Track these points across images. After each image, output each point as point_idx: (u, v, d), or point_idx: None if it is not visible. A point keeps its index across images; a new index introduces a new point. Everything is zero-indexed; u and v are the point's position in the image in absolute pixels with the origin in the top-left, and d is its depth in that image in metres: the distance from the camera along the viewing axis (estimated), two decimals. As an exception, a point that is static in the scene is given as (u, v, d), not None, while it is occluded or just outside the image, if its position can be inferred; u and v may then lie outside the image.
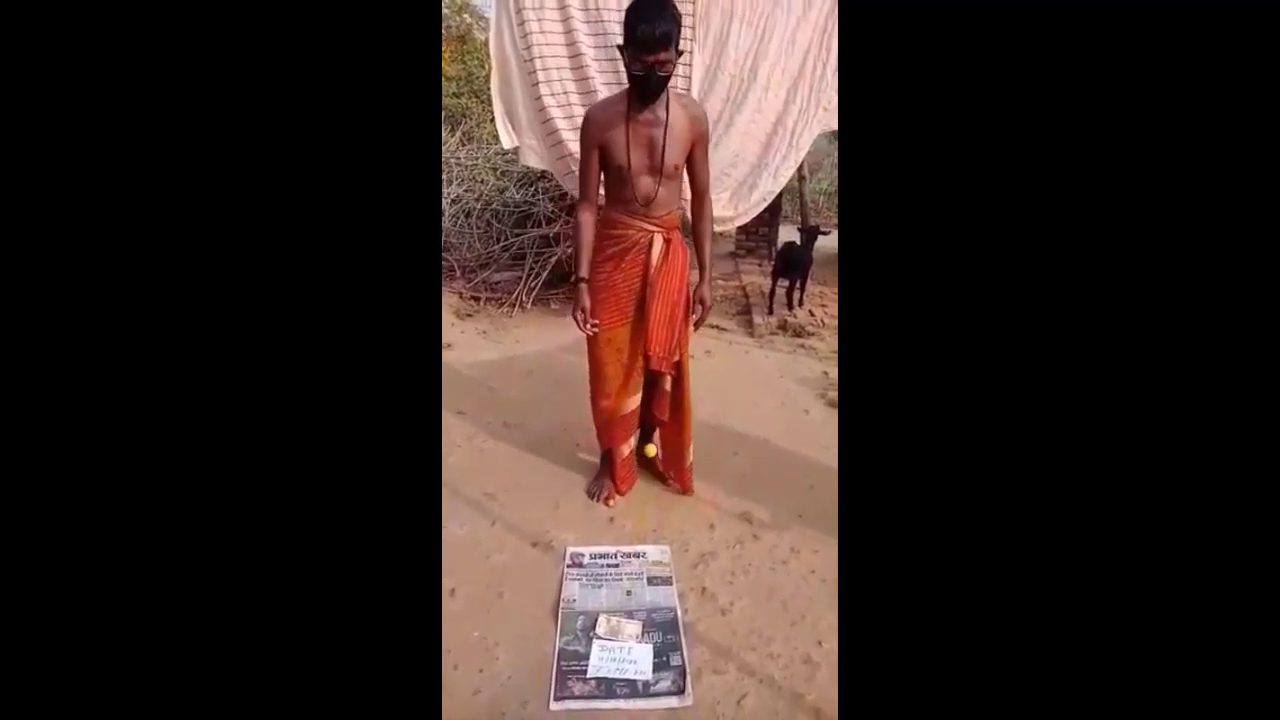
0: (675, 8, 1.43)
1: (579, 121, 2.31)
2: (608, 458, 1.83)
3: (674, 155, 1.52)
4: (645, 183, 1.54)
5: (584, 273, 1.60)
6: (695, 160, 1.59)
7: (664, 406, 1.72)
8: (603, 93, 2.27)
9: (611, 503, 1.77)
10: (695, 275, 1.67)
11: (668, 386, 1.71)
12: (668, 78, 1.44)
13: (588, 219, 1.61)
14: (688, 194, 1.67)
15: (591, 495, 1.81)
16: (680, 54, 1.46)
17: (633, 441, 1.82)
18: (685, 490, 1.82)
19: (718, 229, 2.95)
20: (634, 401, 1.72)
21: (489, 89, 2.45)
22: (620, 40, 1.44)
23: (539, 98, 2.34)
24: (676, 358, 1.65)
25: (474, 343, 2.97)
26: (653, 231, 1.59)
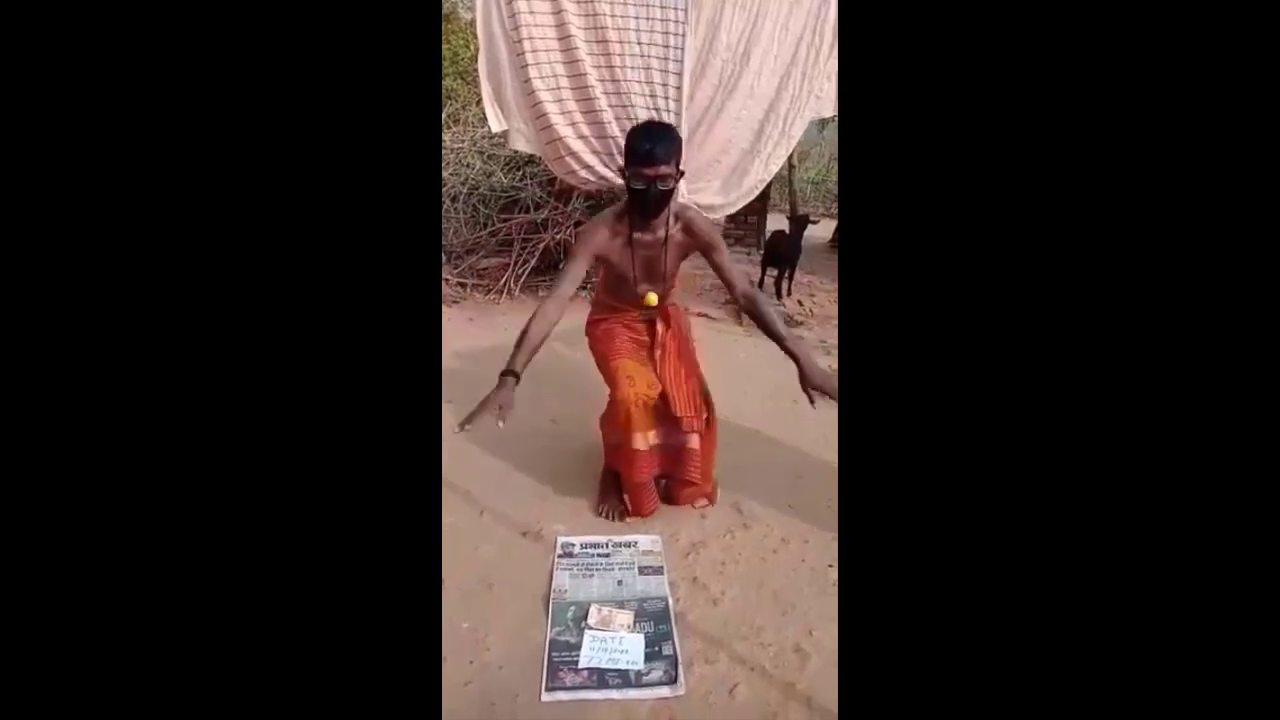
0: (678, 135, 1.51)
1: (568, 105, 2.27)
2: (616, 481, 1.70)
3: (674, 266, 1.60)
4: (645, 289, 1.61)
5: (517, 368, 1.35)
6: (719, 268, 1.58)
7: (695, 466, 1.62)
8: (592, 76, 2.22)
9: (628, 520, 1.65)
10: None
11: (695, 444, 1.60)
12: (669, 193, 1.46)
13: (550, 311, 1.43)
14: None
15: (600, 514, 1.67)
16: (682, 174, 1.50)
17: (650, 476, 1.66)
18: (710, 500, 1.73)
19: (709, 216, 2.93)
20: (646, 440, 1.59)
21: (475, 70, 2.40)
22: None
23: (527, 80, 2.29)
24: (705, 415, 1.65)
25: (461, 330, 2.94)
26: (652, 315, 1.67)
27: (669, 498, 1.71)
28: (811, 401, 1.43)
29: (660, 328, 1.67)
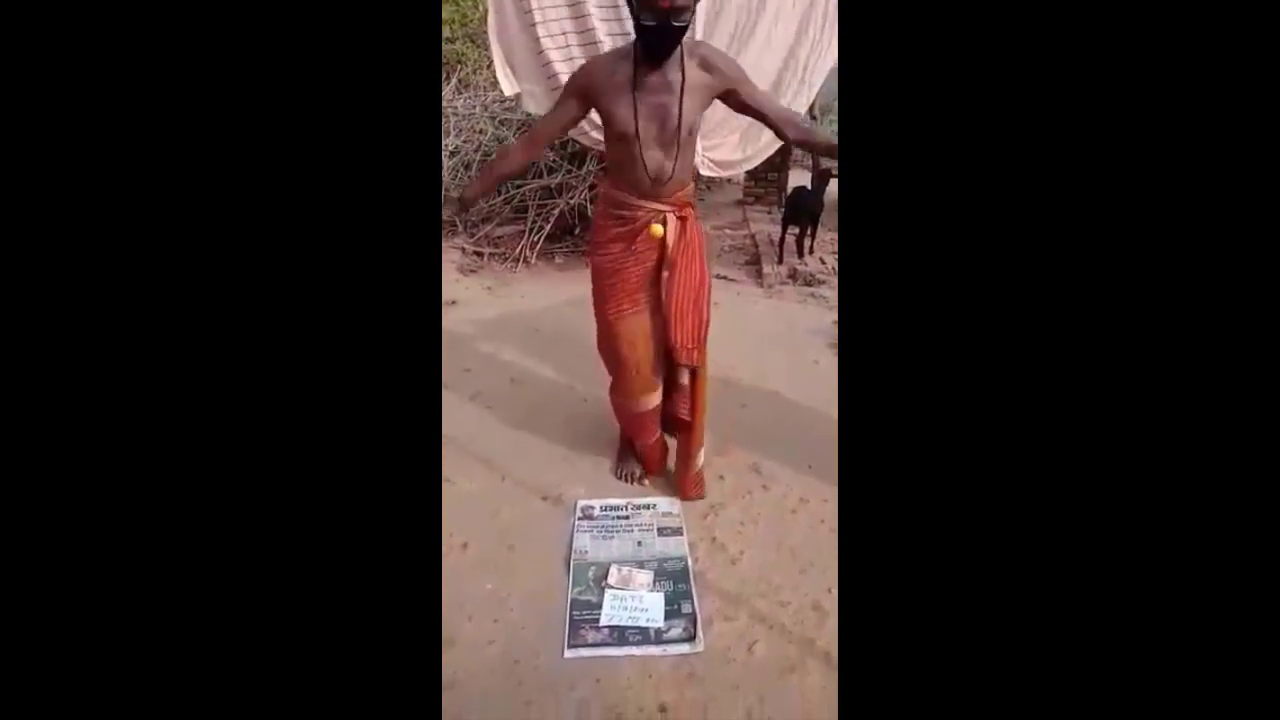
0: None
1: (579, 64, 2.21)
2: (632, 444, 1.69)
3: (691, 118, 1.32)
4: (656, 158, 1.34)
5: (466, 194, 1.53)
6: (751, 102, 1.34)
7: (684, 404, 1.54)
8: (601, 30, 2.15)
9: (646, 483, 1.67)
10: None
11: (685, 380, 1.52)
12: (684, 29, 1.22)
13: (515, 150, 1.51)
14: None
15: (620, 477, 1.69)
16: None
17: (658, 432, 1.66)
18: (687, 495, 1.60)
19: (724, 174, 2.85)
20: (654, 398, 1.57)
21: (485, 33, 2.34)
22: None
23: (536, 40, 2.23)
24: (701, 349, 1.49)
25: (479, 299, 2.95)
26: (665, 211, 1.40)
27: (686, 494, 1.62)
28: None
29: (673, 236, 1.42)
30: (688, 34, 1.27)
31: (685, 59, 1.29)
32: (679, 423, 1.58)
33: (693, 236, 1.45)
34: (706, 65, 1.31)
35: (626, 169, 1.37)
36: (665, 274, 1.45)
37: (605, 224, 1.46)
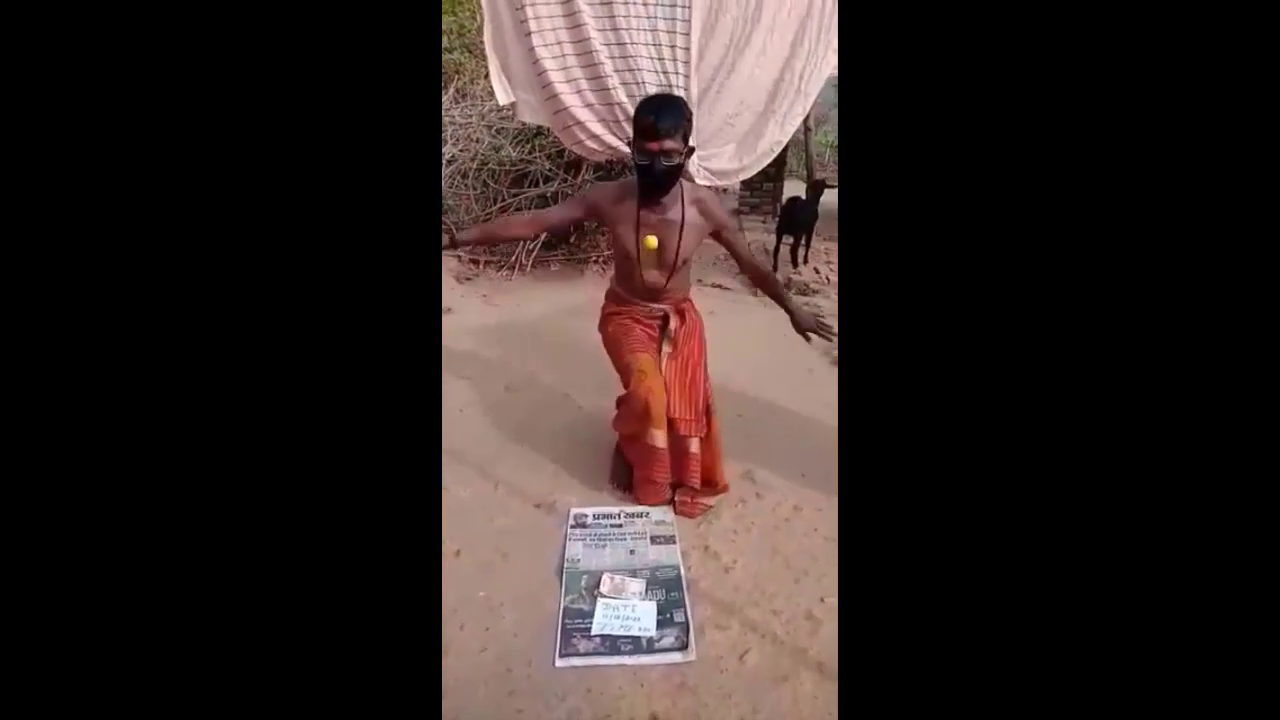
0: (688, 108, 1.43)
1: (574, 73, 2.22)
2: (634, 475, 1.64)
3: (687, 251, 1.54)
4: (654, 275, 1.55)
5: (458, 236, 1.47)
6: (732, 239, 1.62)
7: (695, 471, 1.54)
8: (597, 40, 2.16)
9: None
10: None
11: (695, 449, 1.53)
12: (675, 170, 1.41)
13: (517, 221, 1.68)
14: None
15: (614, 485, 1.68)
16: (692, 150, 1.45)
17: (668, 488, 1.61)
18: (685, 515, 1.59)
19: (721, 183, 2.86)
20: (663, 437, 1.52)
21: (482, 42, 2.35)
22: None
23: (532, 49, 2.24)
24: (705, 421, 1.54)
25: (475, 307, 2.95)
26: (664, 309, 1.61)
27: (680, 510, 1.59)
28: (807, 339, 1.67)
29: (674, 322, 1.60)
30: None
31: (686, 202, 1.50)
32: (687, 488, 1.57)
33: (693, 323, 1.65)
34: (703, 210, 1.53)
35: (627, 278, 1.60)
36: (666, 350, 1.60)
37: (609, 304, 1.68)
